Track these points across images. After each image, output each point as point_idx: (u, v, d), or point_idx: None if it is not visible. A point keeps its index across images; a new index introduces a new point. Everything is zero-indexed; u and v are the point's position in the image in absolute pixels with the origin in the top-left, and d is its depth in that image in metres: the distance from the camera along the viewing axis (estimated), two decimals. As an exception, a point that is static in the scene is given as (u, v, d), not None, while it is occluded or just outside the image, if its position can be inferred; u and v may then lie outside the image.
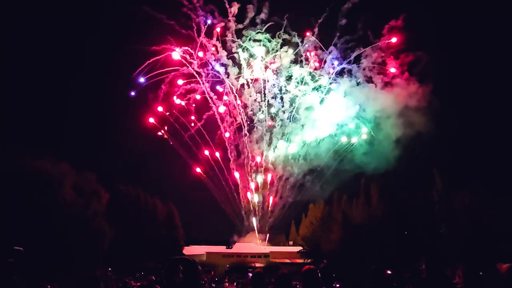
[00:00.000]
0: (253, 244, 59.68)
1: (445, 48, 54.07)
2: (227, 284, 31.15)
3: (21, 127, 48.14)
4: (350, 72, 61.24)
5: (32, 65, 53.48)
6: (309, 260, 43.13)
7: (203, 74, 61.74)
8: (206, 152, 62.49)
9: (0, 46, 50.03)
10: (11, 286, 5.20)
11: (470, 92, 50.36)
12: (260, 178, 63.44)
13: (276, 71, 63.05)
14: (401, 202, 37.57)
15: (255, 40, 61.63)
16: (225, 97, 62.71)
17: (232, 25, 60.62)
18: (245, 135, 63.52)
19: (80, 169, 33.57)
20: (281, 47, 61.83)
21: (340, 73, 62.08)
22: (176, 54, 59.19)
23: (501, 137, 46.46)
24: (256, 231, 62.70)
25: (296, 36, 61.03)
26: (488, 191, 32.95)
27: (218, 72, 61.92)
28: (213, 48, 60.95)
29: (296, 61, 62.69)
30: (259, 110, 63.64)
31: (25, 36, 53.01)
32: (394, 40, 56.01)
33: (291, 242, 59.79)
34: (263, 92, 63.27)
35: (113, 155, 59.00)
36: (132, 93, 59.57)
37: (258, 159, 63.40)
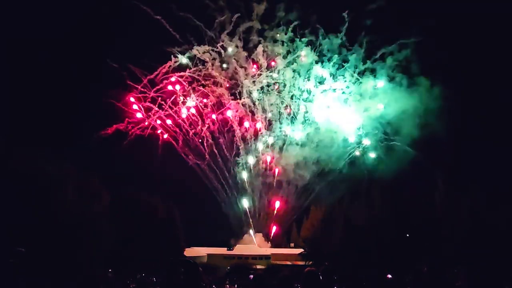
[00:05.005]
0: (254, 246, 59.61)
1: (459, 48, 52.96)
2: (228, 286, 31.12)
3: (22, 127, 48.09)
4: (373, 72, 60.82)
5: (35, 63, 53.41)
6: (310, 262, 43.02)
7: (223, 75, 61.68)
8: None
9: (1, 43, 49.94)
10: (13, 286, 5.20)
11: (470, 93, 50.12)
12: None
13: (297, 72, 62.58)
14: (403, 204, 37.50)
15: (276, 41, 61.30)
16: (242, 99, 62.76)
17: (255, 24, 60.25)
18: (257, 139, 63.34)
19: (83, 170, 33.70)
20: (305, 46, 61.28)
21: (363, 73, 61.61)
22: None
23: (503, 138, 46.29)
24: (253, 234, 62.64)
25: (321, 35, 60.35)
26: (490, 193, 32.89)
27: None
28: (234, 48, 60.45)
29: (319, 61, 62.09)
30: (278, 113, 63.47)
31: (27, 35, 52.99)
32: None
33: (292, 244, 59.63)
34: (281, 95, 63.15)
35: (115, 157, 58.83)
36: None
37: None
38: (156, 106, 60.98)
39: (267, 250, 58.65)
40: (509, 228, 28.85)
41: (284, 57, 61.76)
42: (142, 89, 59.78)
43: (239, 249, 57.96)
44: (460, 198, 34.03)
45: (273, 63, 62.00)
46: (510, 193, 31.81)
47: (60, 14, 54.98)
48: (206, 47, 59.76)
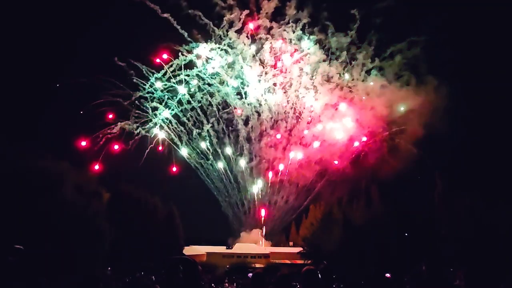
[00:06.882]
0: (253, 245, 59.64)
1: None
2: (227, 284, 31.21)
3: (21, 126, 48.10)
4: (381, 70, 60.44)
5: (33, 63, 53.40)
6: (309, 261, 43.07)
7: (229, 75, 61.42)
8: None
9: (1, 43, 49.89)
10: (12, 284, 5.20)
11: (472, 92, 50.06)
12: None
13: (304, 71, 62.17)
14: (402, 203, 37.53)
15: (284, 39, 60.88)
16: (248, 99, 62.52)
17: (264, 23, 59.56)
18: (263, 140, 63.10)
19: (81, 168, 33.73)
20: (314, 45, 60.78)
21: (370, 71, 61.20)
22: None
23: (502, 138, 46.31)
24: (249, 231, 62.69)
25: (330, 33, 59.75)
26: (489, 193, 32.89)
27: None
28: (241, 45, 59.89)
29: (327, 59, 61.42)
30: (284, 113, 63.23)
31: (25, 35, 53.00)
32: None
33: (291, 243, 59.67)
34: (287, 96, 62.93)
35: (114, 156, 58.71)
36: None
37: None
38: (163, 105, 60.74)
39: (266, 248, 58.73)
40: (508, 228, 28.87)
41: (291, 55, 61.61)
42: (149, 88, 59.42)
43: (238, 248, 58.03)
44: (460, 199, 34.05)
45: (279, 61, 61.85)
46: (510, 193, 31.81)
47: (64, 14, 55.11)
48: (213, 45, 59.44)
